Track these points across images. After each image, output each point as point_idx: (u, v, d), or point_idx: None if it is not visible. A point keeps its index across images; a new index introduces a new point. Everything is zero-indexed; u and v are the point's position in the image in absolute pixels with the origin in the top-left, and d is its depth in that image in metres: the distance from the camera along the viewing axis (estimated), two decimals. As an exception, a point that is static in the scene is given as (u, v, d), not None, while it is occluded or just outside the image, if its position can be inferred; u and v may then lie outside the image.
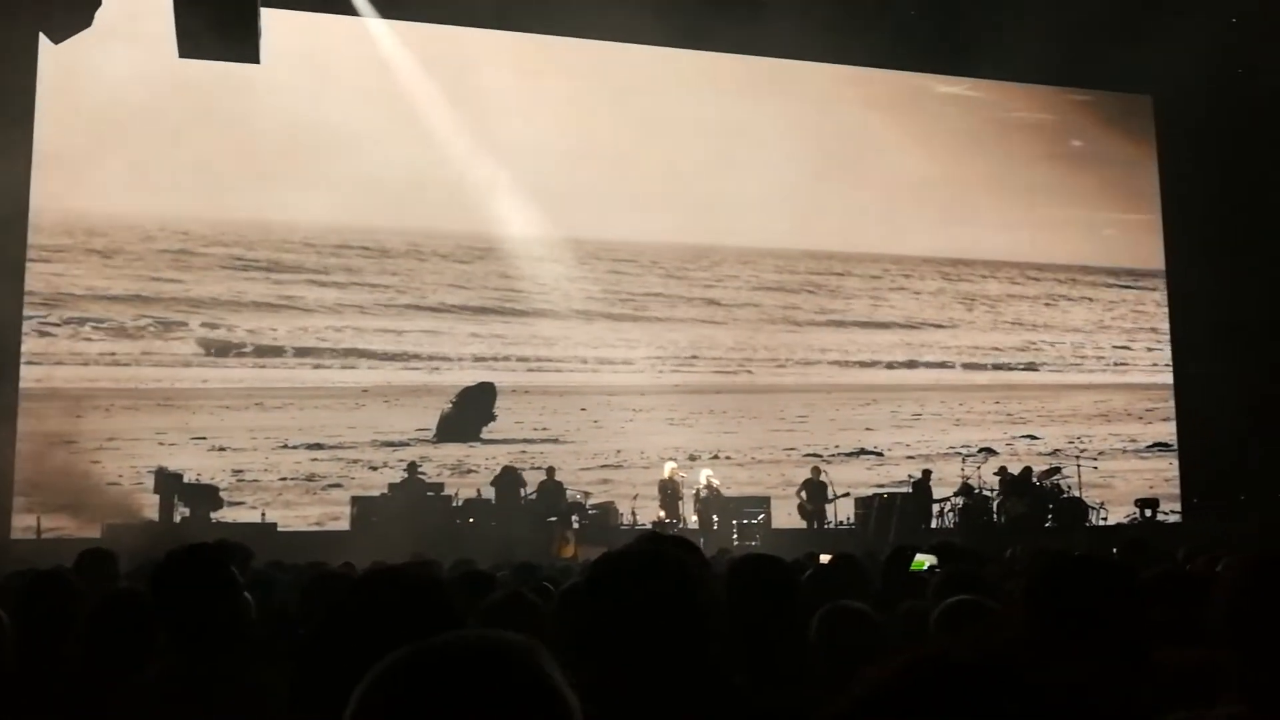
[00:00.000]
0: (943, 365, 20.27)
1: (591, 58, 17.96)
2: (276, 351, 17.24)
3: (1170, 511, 18.76)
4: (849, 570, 4.21)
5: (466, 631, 1.15)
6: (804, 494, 16.84)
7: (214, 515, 15.01)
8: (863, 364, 19.84)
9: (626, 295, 18.93)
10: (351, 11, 16.69)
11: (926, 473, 17.46)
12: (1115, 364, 21.24)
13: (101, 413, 16.20)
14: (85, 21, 14.04)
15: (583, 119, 17.82)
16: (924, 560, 4.25)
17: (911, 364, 20.12)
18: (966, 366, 20.40)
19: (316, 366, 17.37)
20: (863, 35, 17.38)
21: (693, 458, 17.81)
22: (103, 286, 16.59)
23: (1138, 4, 16.53)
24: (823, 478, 17.01)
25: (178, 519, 14.84)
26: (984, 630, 2.81)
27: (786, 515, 16.94)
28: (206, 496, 15.15)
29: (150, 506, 15.10)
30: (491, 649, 1.10)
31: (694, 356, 18.98)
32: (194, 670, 2.81)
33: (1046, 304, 21.24)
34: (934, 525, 16.85)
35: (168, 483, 15.17)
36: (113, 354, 16.49)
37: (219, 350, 16.96)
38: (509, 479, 16.06)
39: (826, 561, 4.77)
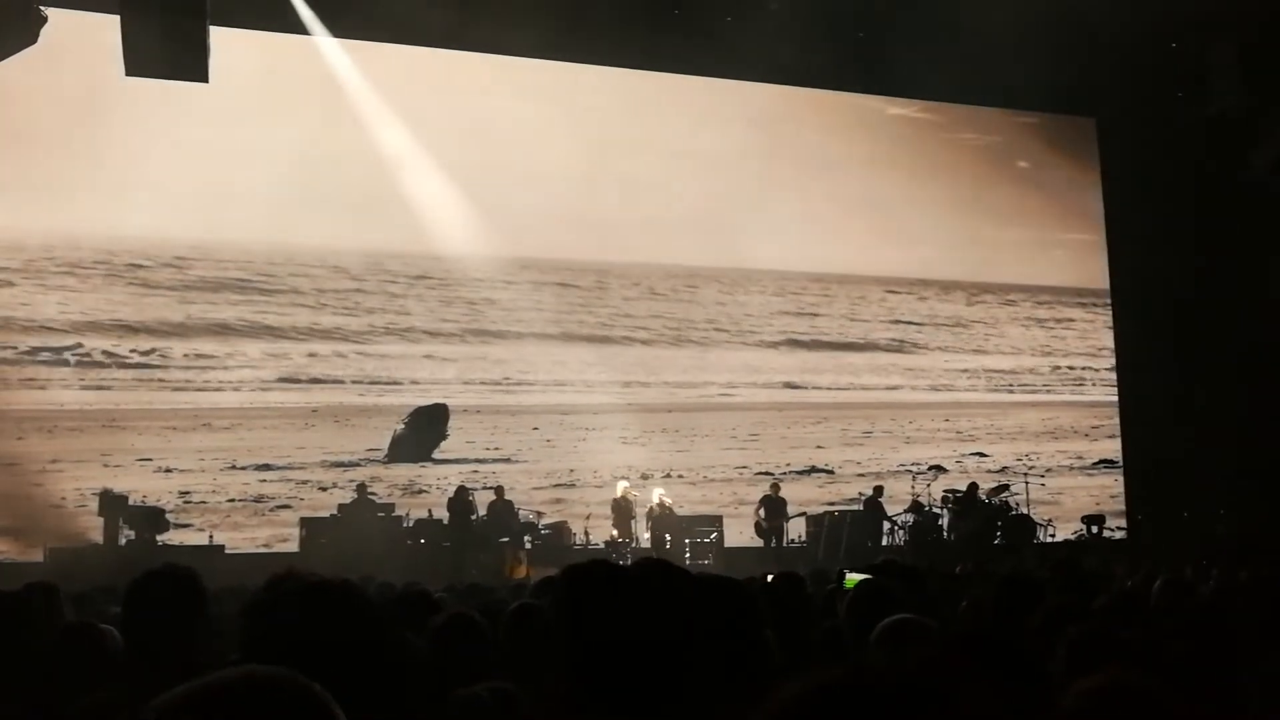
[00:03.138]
0: (893, 385, 20.42)
1: (546, 79, 17.97)
2: (225, 372, 17.05)
3: (1116, 528, 18.99)
4: (791, 589, 4.24)
5: (253, 667, 1.14)
6: (762, 511, 16.87)
7: (160, 538, 14.79)
8: (814, 384, 19.95)
9: (579, 315, 18.93)
10: (303, 31, 16.60)
11: (878, 489, 17.56)
12: (1062, 382, 21.53)
13: (44, 434, 15.95)
14: (31, 39, 13.88)
15: (536, 140, 17.81)
16: (855, 579, 4.30)
17: (862, 384, 20.26)
18: (916, 386, 20.57)
19: (265, 387, 17.20)
20: (814, 57, 17.55)
21: (645, 476, 17.81)
22: (45, 309, 16.34)
23: (1082, 29, 16.82)
24: (781, 494, 17.07)
25: (123, 542, 14.62)
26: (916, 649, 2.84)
27: (739, 534, 16.97)
28: (152, 519, 14.92)
29: (95, 529, 14.85)
30: (278, 685, 1.10)
31: (646, 376, 19.00)
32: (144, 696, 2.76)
33: (994, 323, 21.49)
34: (885, 543, 16.95)
35: (113, 505, 14.92)
36: (58, 377, 16.24)
37: (165, 371, 16.74)
38: (462, 500, 15.95)
39: (770, 579, 4.80)
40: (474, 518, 15.85)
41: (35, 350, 16.18)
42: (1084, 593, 4.63)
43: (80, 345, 16.41)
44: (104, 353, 16.51)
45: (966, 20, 15.68)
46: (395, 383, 17.78)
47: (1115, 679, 2.06)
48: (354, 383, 17.58)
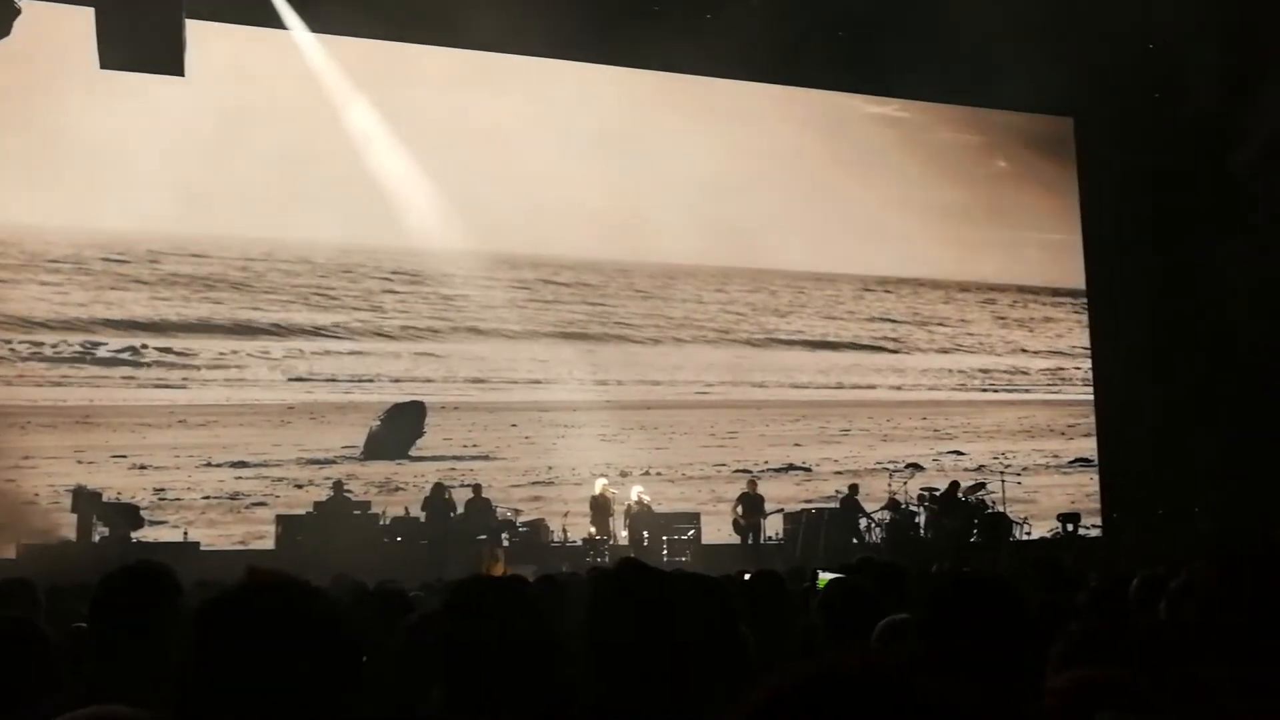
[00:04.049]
0: (870, 384, 20.46)
1: (523, 74, 17.93)
2: (199, 368, 16.94)
3: (1092, 526, 19.10)
4: (770, 587, 4.24)
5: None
6: (740, 508, 16.89)
7: (134, 534, 14.70)
8: (792, 382, 19.98)
9: (557, 312, 18.90)
10: (280, 25, 16.51)
11: (853, 488, 17.62)
12: (1039, 381, 21.62)
13: (17, 430, 15.80)
14: (4, 31, 13.75)
15: (515, 136, 17.77)
16: (826, 578, 4.30)
17: (840, 382, 20.30)
18: (893, 384, 20.63)
19: (240, 384, 17.09)
20: (791, 55, 17.57)
21: (624, 474, 17.80)
22: (16, 305, 16.19)
23: (1060, 28, 16.89)
24: (758, 490, 17.10)
25: (96, 538, 14.52)
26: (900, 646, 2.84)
27: (717, 531, 16.99)
28: (126, 515, 14.83)
29: (68, 526, 14.74)
30: None
31: (625, 373, 18.97)
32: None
33: (971, 322, 21.57)
34: (864, 540, 17.00)
35: (86, 501, 14.83)
36: (31, 373, 16.10)
37: (140, 367, 16.63)
38: (439, 497, 15.92)
39: (749, 577, 4.79)
40: (453, 514, 15.82)
41: (7, 345, 16.04)
42: (1066, 591, 4.65)
43: (53, 341, 16.27)
44: (80, 347, 16.38)
45: (945, 20, 15.73)
46: (372, 380, 17.70)
47: (1088, 675, 2.06)
48: (330, 380, 17.49)
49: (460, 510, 15.93)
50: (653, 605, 2.18)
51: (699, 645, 2.77)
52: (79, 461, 15.90)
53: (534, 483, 17.79)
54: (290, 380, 17.29)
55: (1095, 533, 19.08)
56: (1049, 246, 21.84)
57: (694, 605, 2.98)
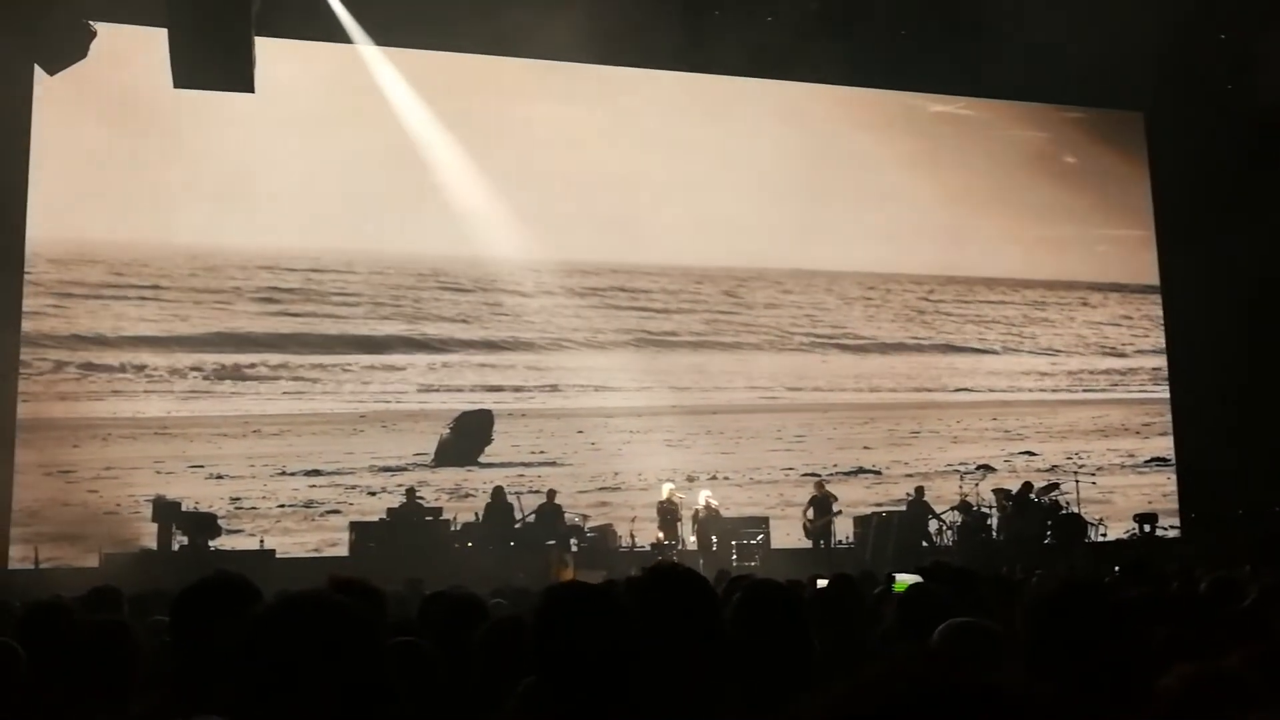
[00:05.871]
0: (941, 384, 20.24)
1: (588, 82, 18.03)
2: (274, 379, 17.22)
3: (1169, 527, 18.74)
4: (846, 592, 4.22)
5: None
6: (810, 511, 16.81)
7: (212, 543, 14.96)
8: (860, 385, 19.83)
9: (623, 318, 18.93)
10: (346, 39, 16.74)
11: (919, 489, 17.45)
12: (1112, 379, 21.25)
13: (99, 442, 16.18)
14: (80, 53, 14.08)
15: (579, 144, 17.86)
16: (905, 581, 4.26)
17: (910, 384, 20.10)
18: (964, 385, 20.39)
19: (313, 394, 17.35)
20: (856, 55, 17.47)
21: (691, 479, 17.76)
22: (97, 321, 16.58)
23: (1128, 22, 16.62)
24: (826, 491, 17.01)
25: (176, 547, 14.81)
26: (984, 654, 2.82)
27: (785, 535, 16.92)
28: (204, 524, 15.10)
29: (148, 535, 15.05)
30: None
31: (691, 378, 18.96)
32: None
33: (1041, 320, 21.26)
34: (934, 543, 16.84)
35: (165, 511, 15.13)
36: (112, 386, 16.47)
37: (217, 379, 16.94)
38: (500, 502, 16.04)
39: (823, 585, 4.77)
40: (520, 516, 15.93)
41: (88, 362, 16.43)
42: (1152, 592, 4.57)
43: (132, 356, 16.64)
44: (157, 361, 16.72)
45: (1010, 15, 15.55)
46: (440, 388, 17.87)
47: (1201, 671, 2.03)
48: (399, 389, 17.69)
49: (531, 515, 16.04)
50: (688, 609, 2.21)
51: (750, 645, 2.78)
52: (158, 472, 16.23)
53: (601, 488, 17.84)
54: (361, 389, 17.52)
55: (1173, 534, 18.71)
56: (1120, 242, 21.49)
57: (751, 608, 2.99)
